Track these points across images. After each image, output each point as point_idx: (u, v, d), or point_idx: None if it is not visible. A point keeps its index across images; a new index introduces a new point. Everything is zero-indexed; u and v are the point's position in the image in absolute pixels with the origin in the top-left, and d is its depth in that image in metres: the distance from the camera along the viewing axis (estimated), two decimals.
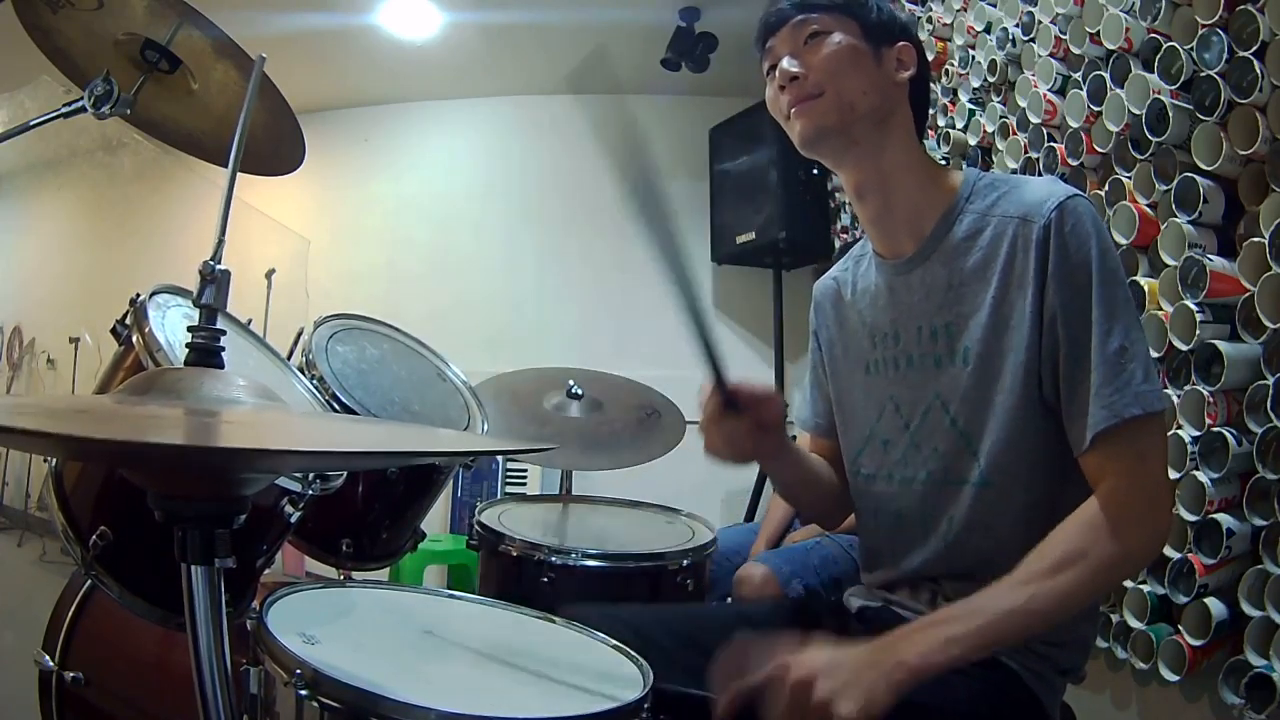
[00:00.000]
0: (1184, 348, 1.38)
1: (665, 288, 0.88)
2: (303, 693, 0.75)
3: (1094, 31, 1.60)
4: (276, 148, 1.36)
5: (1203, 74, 1.37)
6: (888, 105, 1.01)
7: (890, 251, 1.07)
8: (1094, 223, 0.92)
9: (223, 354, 0.88)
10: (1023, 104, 1.87)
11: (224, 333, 0.88)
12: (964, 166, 1.25)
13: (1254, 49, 1.26)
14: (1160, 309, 1.44)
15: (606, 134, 0.89)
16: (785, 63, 1.00)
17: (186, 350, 0.87)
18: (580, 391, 1.93)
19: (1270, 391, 1.25)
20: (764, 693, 0.80)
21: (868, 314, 1.11)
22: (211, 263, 0.88)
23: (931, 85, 1.51)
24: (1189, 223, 1.41)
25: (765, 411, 1.03)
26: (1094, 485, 0.89)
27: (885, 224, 1.06)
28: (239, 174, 0.97)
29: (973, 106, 2.14)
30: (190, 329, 0.87)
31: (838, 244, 3.21)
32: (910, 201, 1.03)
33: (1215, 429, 1.33)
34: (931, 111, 2.27)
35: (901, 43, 1.03)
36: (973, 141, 2.12)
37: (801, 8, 1.02)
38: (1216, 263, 1.34)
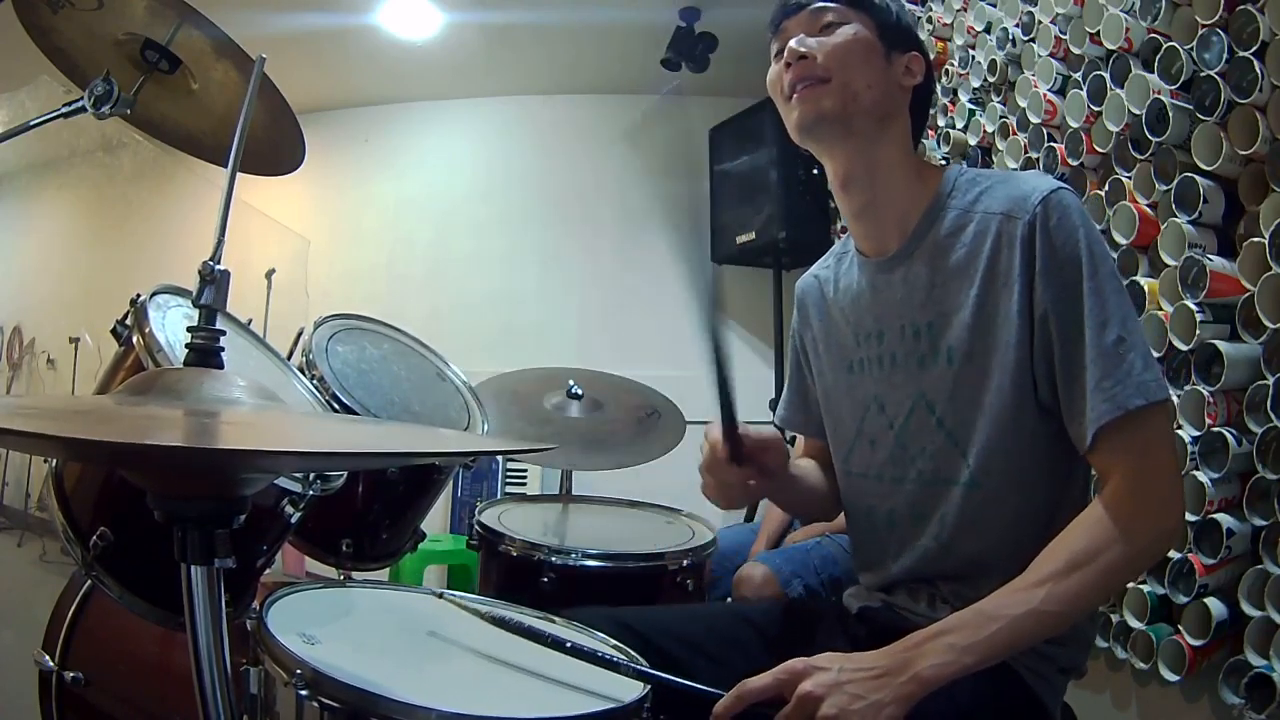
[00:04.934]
0: (1184, 348, 1.38)
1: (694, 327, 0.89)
2: (303, 693, 0.75)
3: (1094, 31, 1.60)
4: (276, 148, 1.36)
5: (1203, 74, 1.37)
6: (889, 105, 1.02)
7: (873, 249, 1.07)
8: (1080, 215, 0.91)
9: (222, 354, 0.88)
10: (1023, 104, 1.87)
11: (224, 333, 0.88)
12: (949, 164, 1.25)
13: (1254, 49, 1.26)
14: (1160, 309, 1.44)
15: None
16: (795, 41, 1.00)
17: (186, 350, 0.87)
18: (580, 391, 1.93)
19: (1270, 391, 1.25)
20: (769, 695, 0.80)
21: (850, 312, 1.10)
22: (211, 263, 0.88)
23: (933, 95, 1.51)
24: (1189, 223, 1.41)
25: (768, 459, 1.03)
26: (1102, 482, 0.88)
27: (868, 219, 1.06)
28: (239, 174, 0.97)
29: (973, 106, 2.14)
30: (190, 329, 0.87)
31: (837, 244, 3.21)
32: (895, 198, 1.03)
33: (1215, 429, 1.33)
34: (931, 111, 2.27)
35: (914, 52, 1.04)
36: (973, 141, 2.12)
37: None
38: (1216, 263, 1.34)
